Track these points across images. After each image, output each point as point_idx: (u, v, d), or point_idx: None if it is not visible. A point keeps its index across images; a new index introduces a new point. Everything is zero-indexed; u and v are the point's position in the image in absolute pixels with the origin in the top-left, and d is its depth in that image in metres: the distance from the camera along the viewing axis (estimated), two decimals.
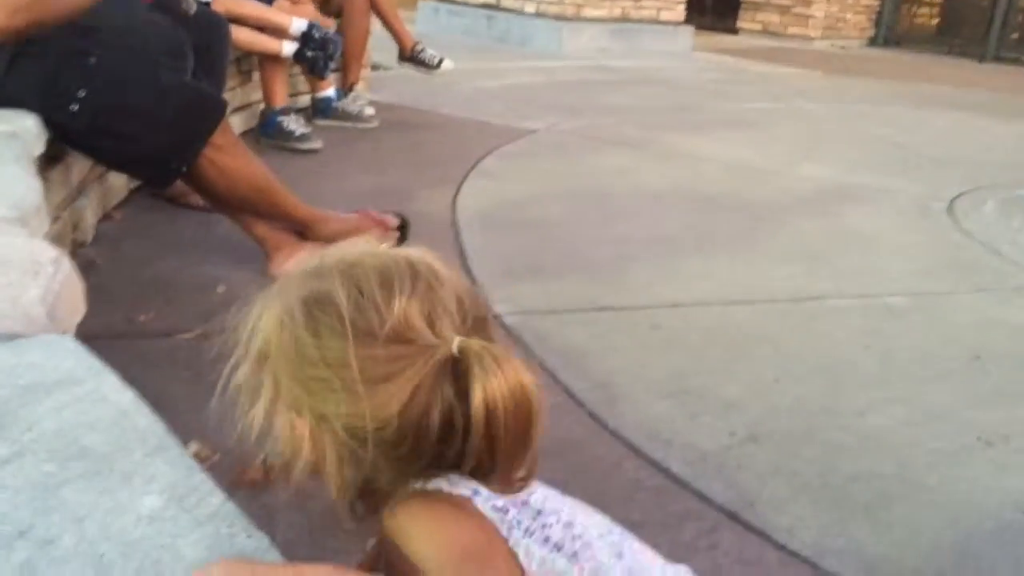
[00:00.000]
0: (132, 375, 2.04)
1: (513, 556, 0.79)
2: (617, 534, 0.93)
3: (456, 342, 0.75)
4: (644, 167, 4.18)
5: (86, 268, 2.53)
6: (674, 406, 2.14)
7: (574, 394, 2.13)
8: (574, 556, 0.83)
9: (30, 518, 0.70)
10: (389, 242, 2.76)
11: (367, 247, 0.82)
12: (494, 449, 0.74)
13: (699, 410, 2.13)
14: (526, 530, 0.80)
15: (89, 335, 2.15)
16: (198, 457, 1.71)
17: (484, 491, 0.80)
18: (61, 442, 0.80)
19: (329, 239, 2.54)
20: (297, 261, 2.51)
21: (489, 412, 0.73)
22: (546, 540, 0.82)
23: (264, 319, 0.79)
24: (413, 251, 0.82)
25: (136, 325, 2.25)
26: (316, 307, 0.77)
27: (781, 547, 1.70)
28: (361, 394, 0.73)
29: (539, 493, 0.85)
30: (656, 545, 1.65)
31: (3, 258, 1.16)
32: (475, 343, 0.76)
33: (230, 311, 0.81)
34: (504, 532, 0.79)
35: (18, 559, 0.66)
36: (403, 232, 2.65)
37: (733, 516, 1.77)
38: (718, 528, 1.74)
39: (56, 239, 2.43)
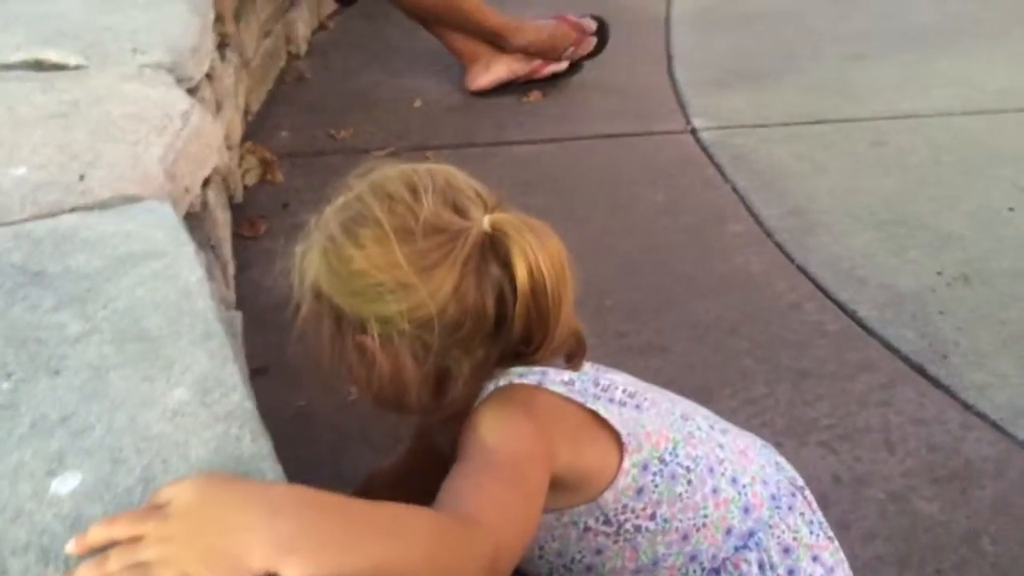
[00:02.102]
0: (328, 194, 2.17)
1: (591, 416, 0.90)
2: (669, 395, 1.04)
3: (487, 220, 0.85)
4: None
5: (297, 81, 2.64)
6: (879, 238, 1.93)
7: (762, 221, 1.98)
8: (639, 408, 0.95)
9: (75, 404, 0.76)
10: (586, 49, 2.61)
11: (386, 166, 0.90)
12: (544, 314, 0.84)
13: (908, 243, 1.91)
14: (593, 395, 0.92)
15: (291, 151, 2.30)
16: None
17: (551, 371, 0.91)
18: (126, 322, 0.84)
19: (525, 49, 2.46)
20: (492, 74, 2.48)
21: (533, 276, 0.82)
22: (612, 400, 0.93)
23: (308, 257, 0.88)
24: (426, 164, 0.91)
25: (335, 142, 2.34)
26: (354, 224, 0.85)
27: (967, 407, 1.53)
28: (416, 284, 0.83)
29: (589, 366, 0.96)
30: (819, 398, 1.57)
31: (137, 113, 1.21)
32: (505, 215, 0.86)
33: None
34: (578, 399, 0.90)
35: (54, 447, 0.72)
36: (601, 36, 2.49)
37: (919, 369, 1.61)
38: (896, 382, 1.59)
39: (269, 55, 2.53)
